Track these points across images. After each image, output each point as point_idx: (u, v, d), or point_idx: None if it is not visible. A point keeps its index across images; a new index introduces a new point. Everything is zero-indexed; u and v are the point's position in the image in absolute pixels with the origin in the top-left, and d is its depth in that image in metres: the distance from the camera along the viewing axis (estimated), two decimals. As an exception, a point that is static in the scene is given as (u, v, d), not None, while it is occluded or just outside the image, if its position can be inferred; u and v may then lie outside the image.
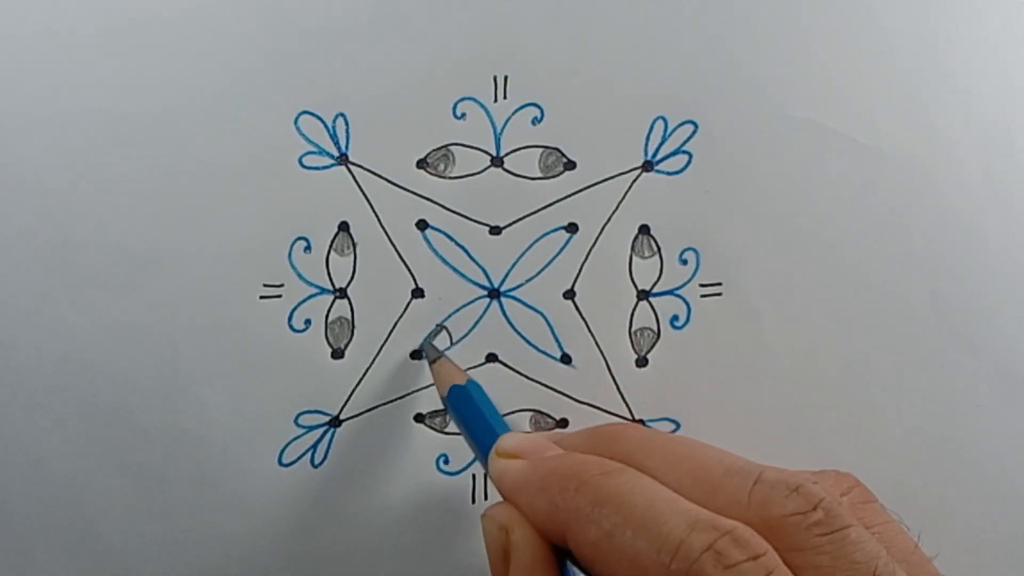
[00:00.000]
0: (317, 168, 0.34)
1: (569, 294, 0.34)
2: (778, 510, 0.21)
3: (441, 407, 0.34)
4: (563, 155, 0.34)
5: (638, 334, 0.34)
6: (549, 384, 0.34)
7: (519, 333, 0.34)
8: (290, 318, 0.34)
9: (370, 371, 0.34)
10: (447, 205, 0.34)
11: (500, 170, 0.34)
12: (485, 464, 0.28)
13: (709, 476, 0.23)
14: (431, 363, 0.33)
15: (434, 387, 0.34)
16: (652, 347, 0.34)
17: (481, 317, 0.34)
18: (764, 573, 0.20)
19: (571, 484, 0.23)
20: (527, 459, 0.26)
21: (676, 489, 0.22)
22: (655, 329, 0.34)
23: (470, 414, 0.30)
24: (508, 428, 0.29)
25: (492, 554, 0.25)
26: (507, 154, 0.34)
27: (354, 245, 0.34)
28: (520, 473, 0.25)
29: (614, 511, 0.22)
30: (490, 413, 0.29)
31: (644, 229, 0.34)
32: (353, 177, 0.34)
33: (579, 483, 0.23)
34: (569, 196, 0.34)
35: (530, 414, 0.34)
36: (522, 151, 0.34)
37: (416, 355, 0.34)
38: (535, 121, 0.34)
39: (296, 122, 0.34)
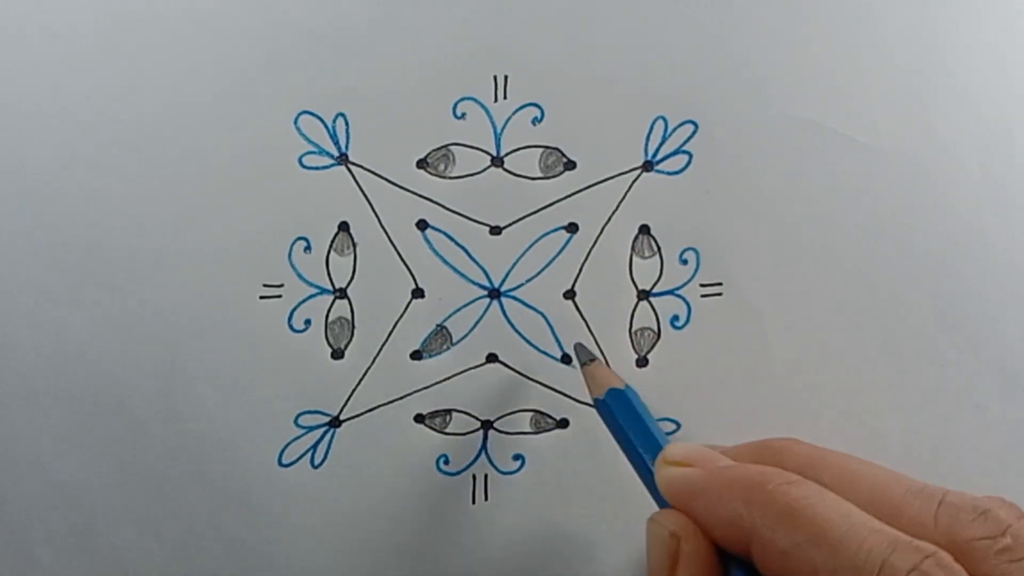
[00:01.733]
0: (317, 168, 0.34)
1: (569, 294, 0.34)
2: (966, 533, 0.21)
3: (441, 407, 0.34)
4: (563, 155, 0.34)
5: (638, 334, 0.34)
6: (549, 384, 0.34)
7: (519, 333, 0.34)
8: (290, 318, 0.34)
9: (370, 371, 0.34)
10: (447, 205, 0.34)
11: (500, 170, 0.34)
12: (642, 470, 0.28)
13: (889, 496, 0.23)
14: (583, 365, 0.32)
15: (434, 387, 0.34)
16: (652, 347, 0.34)
17: (481, 317, 0.34)
18: None
19: (756, 494, 0.23)
20: (700, 467, 0.26)
21: None
22: (655, 329, 0.34)
23: (629, 419, 0.29)
24: (667, 438, 0.29)
25: (657, 560, 0.25)
26: (507, 154, 0.34)
27: (354, 245, 0.34)
28: (696, 481, 0.25)
29: (806, 522, 0.22)
30: (649, 420, 0.29)
31: (644, 229, 0.34)
32: (353, 177, 0.34)
33: (765, 492, 0.23)
34: (569, 196, 0.34)
35: (530, 414, 0.34)
36: (522, 151, 0.34)
37: (416, 355, 0.34)
38: (535, 121, 0.34)
39: (296, 122, 0.34)
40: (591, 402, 0.34)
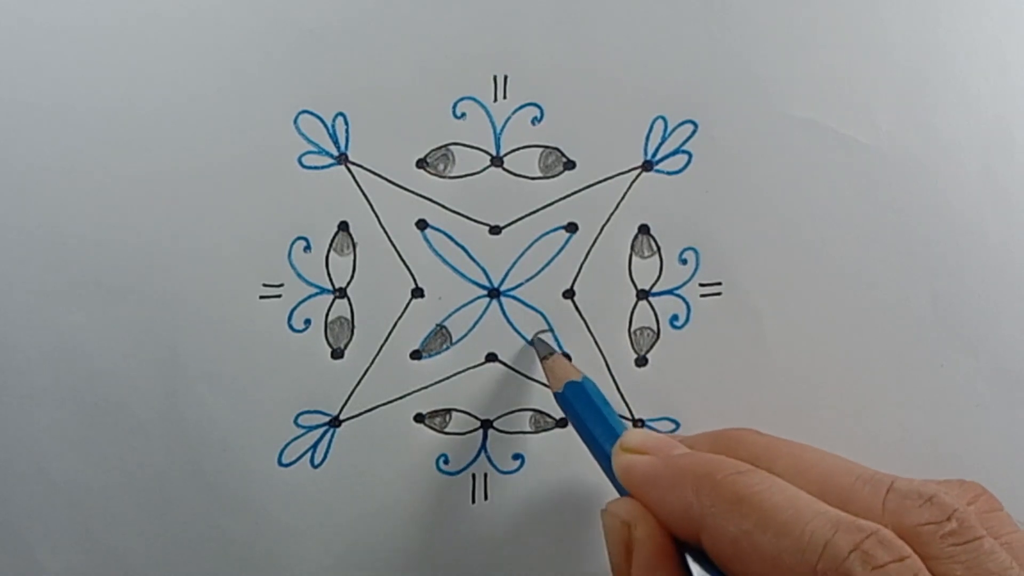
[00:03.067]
0: (317, 168, 0.34)
1: (569, 294, 0.34)
2: (912, 519, 0.22)
3: (441, 407, 0.34)
4: (563, 155, 0.34)
5: (638, 334, 0.34)
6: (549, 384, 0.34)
7: (519, 333, 0.34)
8: (290, 318, 0.34)
9: (370, 371, 0.34)
10: (447, 205, 0.34)
11: (500, 170, 0.34)
12: (602, 459, 0.28)
13: (839, 484, 0.24)
14: (543, 359, 0.32)
15: (433, 387, 0.34)
16: (652, 347, 0.34)
17: (481, 317, 0.34)
18: (911, 574, 0.20)
19: (706, 482, 0.23)
20: (654, 455, 0.26)
21: None
22: (655, 329, 0.34)
23: (587, 410, 0.30)
24: (624, 426, 0.29)
25: (613, 548, 0.25)
26: (507, 154, 0.34)
27: (354, 245, 0.34)
28: (650, 468, 0.25)
29: (753, 509, 0.22)
30: (607, 410, 0.30)
31: (644, 229, 0.34)
32: (353, 177, 0.34)
33: (714, 481, 0.23)
34: (569, 196, 0.34)
35: (530, 414, 0.34)
36: (522, 151, 0.34)
37: (416, 355, 0.34)
38: (535, 121, 0.34)
39: (296, 122, 0.34)
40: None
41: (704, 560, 0.24)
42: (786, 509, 0.22)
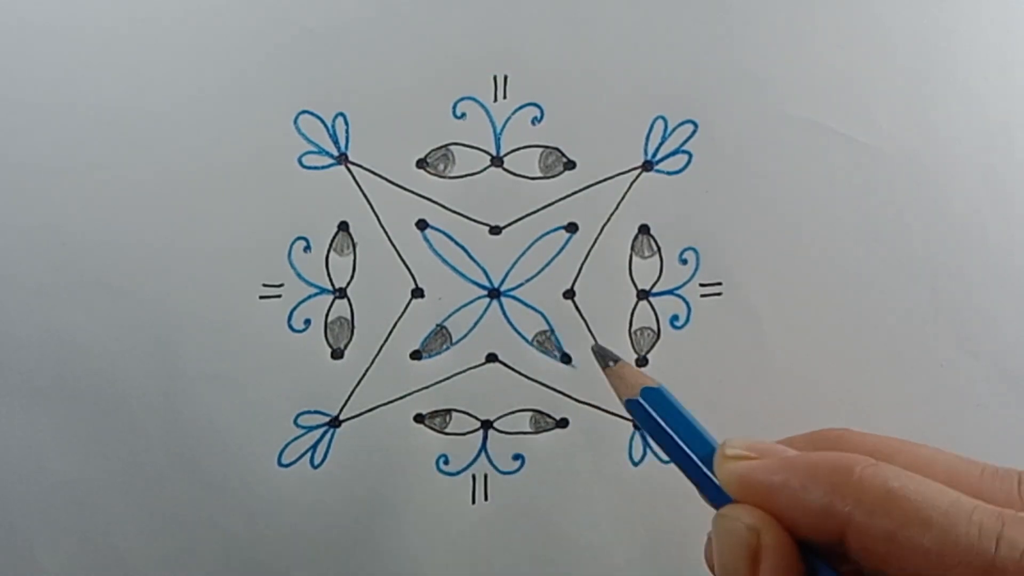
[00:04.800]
0: (317, 168, 0.34)
1: (569, 294, 0.34)
2: None
3: (441, 407, 0.34)
4: (563, 155, 0.34)
5: (638, 334, 0.34)
6: (549, 384, 0.34)
7: (519, 333, 0.34)
8: (290, 318, 0.34)
9: (370, 371, 0.34)
10: (447, 205, 0.34)
11: (500, 170, 0.34)
12: (689, 467, 0.27)
13: (967, 478, 0.23)
14: (605, 367, 0.31)
15: (433, 387, 0.34)
16: (652, 347, 0.34)
17: (481, 317, 0.34)
18: None
19: (843, 478, 0.22)
20: (768, 458, 0.24)
21: None
22: (655, 329, 0.34)
23: (670, 417, 0.29)
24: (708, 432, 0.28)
25: (736, 555, 0.24)
26: (507, 154, 0.34)
27: (354, 245, 0.34)
28: (773, 471, 0.24)
29: (907, 503, 0.21)
30: (690, 416, 0.28)
31: (644, 229, 0.34)
32: (353, 177, 0.34)
33: (855, 477, 0.22)
34: (569, 196, 0.34)
35: (530, 414, 0.34)
36: (522, 151, 0.34)
37: (416, 355, 0.34)
38: (535, 121, 0.34)
39: (296, 122, 0.34)
40: (589, 401, 0.34)
41: (828, 564, 0.23)
42: (942, 502, 0.21)
